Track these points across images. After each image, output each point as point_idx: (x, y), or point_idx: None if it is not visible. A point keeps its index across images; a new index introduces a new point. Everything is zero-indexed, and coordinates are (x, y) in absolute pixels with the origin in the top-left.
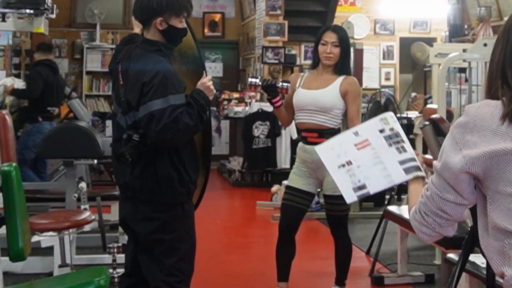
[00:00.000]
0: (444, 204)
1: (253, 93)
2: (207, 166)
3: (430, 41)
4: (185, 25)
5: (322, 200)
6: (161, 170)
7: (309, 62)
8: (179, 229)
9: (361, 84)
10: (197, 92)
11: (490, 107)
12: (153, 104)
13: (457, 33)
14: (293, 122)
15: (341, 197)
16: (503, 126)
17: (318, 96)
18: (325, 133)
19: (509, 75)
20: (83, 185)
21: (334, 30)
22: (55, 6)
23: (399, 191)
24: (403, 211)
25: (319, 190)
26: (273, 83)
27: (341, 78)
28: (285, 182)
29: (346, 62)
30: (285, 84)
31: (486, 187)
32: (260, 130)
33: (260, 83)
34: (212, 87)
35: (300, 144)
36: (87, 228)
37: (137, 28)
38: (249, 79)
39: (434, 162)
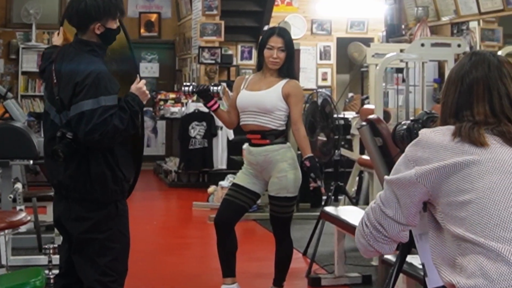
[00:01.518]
0: (383, 218)
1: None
2: (138, 163)
3: (367, 41)
4: (119, 23)
5: (259, 201)
6: (95, 169)
7: (245, 62)
8: (112, 228)
9: None
10: (132, 96)
11: (444, 128)
12: (84, 104)
13: (394, 33)
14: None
15: (285, 198)
16: (453, 141)
17: (259, 97)
18: (268, 135)
19: (465, 114)
20: (18, 185)
21: (280, 34)
22: None
23: (336, 192)
24: (340, 212)
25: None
26: (204, 88)
27: (284, 81)
28: (221, 183)
29: (291, 65)
30: (215, 88)
31: (438, 204)
32: (196, 130)
33: (192, 90)
34: (147, 91)
35: (246, 146)
36: (22, 229)
37: (58, 41)
38: (183, 88)
39: (385, 176)
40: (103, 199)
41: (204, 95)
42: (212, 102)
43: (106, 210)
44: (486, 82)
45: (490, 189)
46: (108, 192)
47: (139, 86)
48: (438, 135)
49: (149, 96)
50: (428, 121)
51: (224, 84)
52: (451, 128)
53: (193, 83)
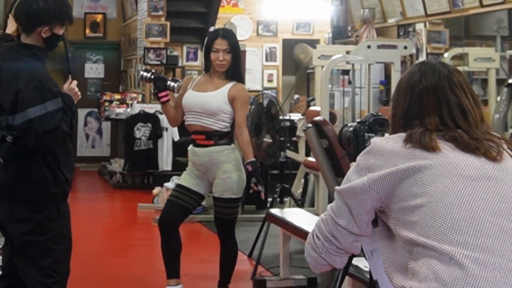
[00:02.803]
0: (336, 229)
1: (134, 95)
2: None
3: (313, 43)
4: (63, 30)
5: (204, 203)
6: (36, 172)
7: (191, 63)
8: (54, 230)
9: None
10: (67, 97)
11: (394, 136)
12: (31, 112)
13: (341, 35)
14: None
15: (229, 200)
16: (405, 147)
17: (205, 98)
18: (212, 136)
19: (415, 124)
20: None
21: (224, 36)
22: None
23: (282, 194)
24: (285, 214)
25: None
26: (163, 77)
27: (231, 83)
28: (166, 184)
29: (237, 67)
30: (172, 83)
31: (390, 210)
32: (141, 131)
33: (150, 76)
34: (79, 92)
35: (190, 147)
36: None
37: (11, 28)
38: (141, 72)
39: (336, 187)
40: (44, 202)
41: (160, 84)
42: (165, 93)
43: (47, 212)
44: (436, 93)
45: (443, 192)
46: (49, 195)
47: (72, 87)
48: (390, 142)
49: (80, 96)
50: (374, 123)
51: (181, 81)
52: (402, 135)
53: (153, 70)
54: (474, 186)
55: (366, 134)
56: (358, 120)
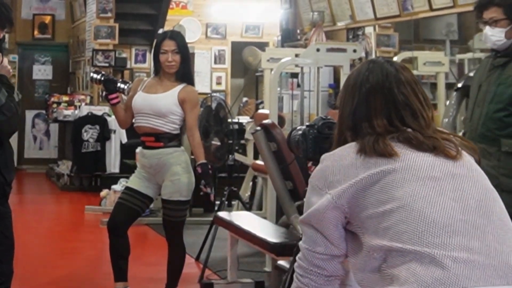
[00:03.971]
0: (316, 258)
1: (83, 96)
2: None
3: (262, 46)
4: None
5: (152, 206)
6: None
7: (140, 65)
8: None
9: None
10: (5, 78)
11: (345, 148)
12: None
13: (290, 38)
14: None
15: (177, 202)
16: (360, 159)
17: (154, 100)
18: (162, 138)
19: (363, 126)
20: None
21: (172, 37)
22: None
23: (230, 197)
24: (233, 217)
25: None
26: (114, 79)
27: (181, 86)
28: (114, 187)
29: (187, 68)
30: (122, 85)
31: (356, 220)
32: (89, 133)
33: (100, 78)
34: (11, 70)
35: (140, 149)
36: None
37: None
38: (91, 74)
39: (300, 217)
40: None
41: (111, 86)
42: (115, 95)
43: None
44: (383, 93)
45: (412, 196)
46: None
47: (4, 64)
48: (342, 156)
49: (11, 72)
50: (323, 126)
51: (131, 83)
52: (352, 145)
53: (103, 72)
54: (441, 186)
55: (321, 158)
56: (307, 123)
